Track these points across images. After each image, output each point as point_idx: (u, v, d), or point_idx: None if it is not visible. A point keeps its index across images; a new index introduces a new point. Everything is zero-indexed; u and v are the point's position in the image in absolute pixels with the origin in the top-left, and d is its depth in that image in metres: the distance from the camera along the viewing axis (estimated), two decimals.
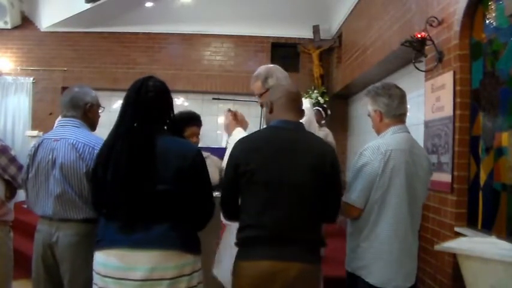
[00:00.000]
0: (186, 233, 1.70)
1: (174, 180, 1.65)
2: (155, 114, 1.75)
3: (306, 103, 2.30)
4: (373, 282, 1.99)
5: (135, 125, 1.70)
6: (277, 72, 2.41)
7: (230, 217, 1.95)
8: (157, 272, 1.59)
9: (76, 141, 2.06)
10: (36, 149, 2.12)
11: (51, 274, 2.07)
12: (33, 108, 7.51)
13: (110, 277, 1.60)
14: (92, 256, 1.71)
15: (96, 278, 1.65)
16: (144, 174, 1.64)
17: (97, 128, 2.29)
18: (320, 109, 5.71)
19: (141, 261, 1.59)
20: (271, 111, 1.94)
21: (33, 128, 7.13)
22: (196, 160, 1.71)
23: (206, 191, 1.77)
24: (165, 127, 1.79)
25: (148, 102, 1.73)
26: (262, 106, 2.38)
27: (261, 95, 2.39)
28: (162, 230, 1.63)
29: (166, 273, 1.60)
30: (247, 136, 1.95)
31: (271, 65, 2.50)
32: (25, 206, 2.42)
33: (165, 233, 1.63)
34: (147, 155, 1.65)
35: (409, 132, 2.13)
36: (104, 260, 1.64)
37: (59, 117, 2.30)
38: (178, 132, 1.81)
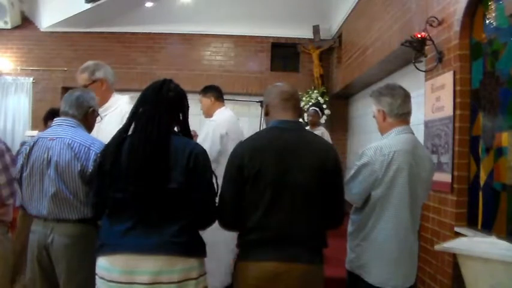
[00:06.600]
0: (191, 237, 1.69)
1: (182, 180, 1.64)
2: (173, 114, 1.78)
3: (124, 98, 2.50)
4: (372, 281, 1.99)
5: (152, 122, 1.70)
6: (106, 67, 2.64)
7: (228, 223, 1.84)
8: (164, 275, 1.58)
9: (72, 140, 2.05)
10: (31, 147, 2.09)
11: (46, 275, 2.05)
12: (33, 108, 7.50)
13: (115, 282, 1.58)
14: (88, 256, 1.69)
15: (100, 283, 1.63)
16: (159, 172, 1.63)
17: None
18: (317, 109, 5.71)
19: (147, 265, 1.58)
20: (267, 113, 1.93)
21: (33, 128, 7.11)
22: (199, 159, 1.70)
23: (209, 191, 1.75)
24: (177, 128, 1.81)
25: (169, 102, 1.76)
26: None
27: (86, 86, 2.53)
28: (168, 234, 1.61)
29: (173, 277, 1.59)
30: (248, 137, 1.92)
31: (101, 62, 2.70)
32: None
33: (170, 238, 1.61)
34: (164, 153, 1.65)
35: (413, 133, 2.12)
36: (108, 265, 1.61)
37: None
38: (188, 133, 1.81)
